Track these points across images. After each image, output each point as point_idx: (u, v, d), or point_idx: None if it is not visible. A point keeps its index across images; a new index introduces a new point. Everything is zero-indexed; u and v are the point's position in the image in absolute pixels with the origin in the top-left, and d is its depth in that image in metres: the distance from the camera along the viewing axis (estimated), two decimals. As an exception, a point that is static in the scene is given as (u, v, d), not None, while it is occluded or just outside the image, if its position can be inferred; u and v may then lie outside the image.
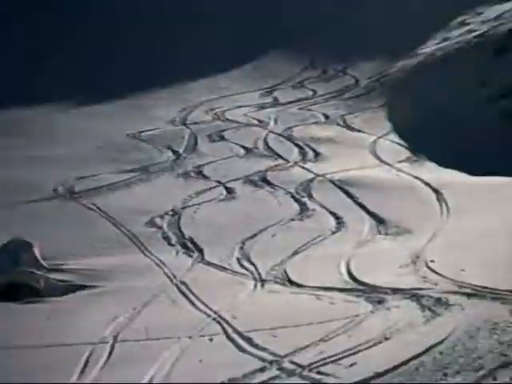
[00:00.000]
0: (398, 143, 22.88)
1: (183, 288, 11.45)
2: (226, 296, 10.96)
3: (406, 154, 21.68)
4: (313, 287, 10.97)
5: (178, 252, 13.62)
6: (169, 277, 12.08)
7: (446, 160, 20.94)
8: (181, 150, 21.55)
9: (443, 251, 12.16)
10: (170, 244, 14.08)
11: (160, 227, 15.09)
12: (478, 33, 32.03)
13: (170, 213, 15.82)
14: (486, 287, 9.57)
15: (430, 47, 33.01)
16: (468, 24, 34.73)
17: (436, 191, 17.06)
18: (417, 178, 18.59)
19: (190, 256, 13.29)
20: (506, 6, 35.25)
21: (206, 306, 10.43)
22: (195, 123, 25.00)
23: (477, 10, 36.89)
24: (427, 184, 17.80)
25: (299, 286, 11.26)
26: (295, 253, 13.02)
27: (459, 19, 36.12)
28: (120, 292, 11.69)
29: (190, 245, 13.86)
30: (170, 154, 21.25)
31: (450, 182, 18.13)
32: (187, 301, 10.92)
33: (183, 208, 16.17)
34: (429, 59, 31.51)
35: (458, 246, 12.47)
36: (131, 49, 32.65)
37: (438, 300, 9.50)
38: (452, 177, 19.04)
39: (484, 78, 27.89)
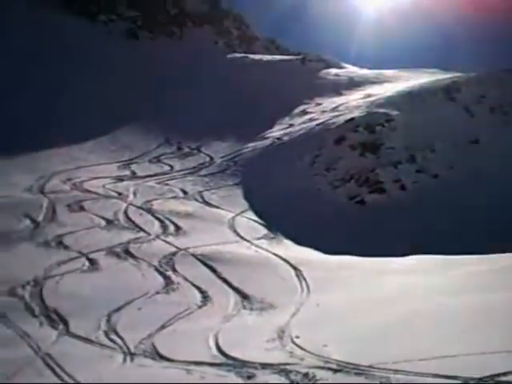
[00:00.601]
0: (255, 221, 23.58)
1: (49, 361, 10.82)
2: (95, 369, 10.48)
3: (264, 231, 22.42)
4: (183, 361, 10.68)
5: (42, 323, 12.91)
6: (33, 349, 11.42)
7: (300, 238, 21.88)
8: (39, 219, 20.83)
9: (307, 327, 12.29)
10: (33, 315, 13.34)
11: (22, 297, 14.28)
12: (319, 121, 34.23)
13: (32, 283, 15.05)
14: (349, 363, 9.63)
15: (276, 132, 34.78)
16: (309, 113, 37.12)
17: (295, 268, 17.58)
18: (275, 254, 19.13)
19: (55, 328, 12.62)
20: (341, 100, 38.29)
21: (74, 379, 9.92)
22: (53, 192, 24.40)
23: (316, 100, 39.57)
24: (286, 261, 18.34)
25: (169, 360, 10.91)
26: (163, 326, 12.74)
27: (301, 108, 38.47)
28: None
29: (54, 316, 13.19)
30: (28, 222, 20.44)
31: (307, 259, 18.81)
32: (54, 374, 10.30)
33: (45, 278, 15.44)
34: (277, 143, 33.17)
35: (320, 322, 12.66)
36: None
37: (306, 375, 9.50)
38: (308, 254, 19.80)
39: (327, 163, 29.68)
